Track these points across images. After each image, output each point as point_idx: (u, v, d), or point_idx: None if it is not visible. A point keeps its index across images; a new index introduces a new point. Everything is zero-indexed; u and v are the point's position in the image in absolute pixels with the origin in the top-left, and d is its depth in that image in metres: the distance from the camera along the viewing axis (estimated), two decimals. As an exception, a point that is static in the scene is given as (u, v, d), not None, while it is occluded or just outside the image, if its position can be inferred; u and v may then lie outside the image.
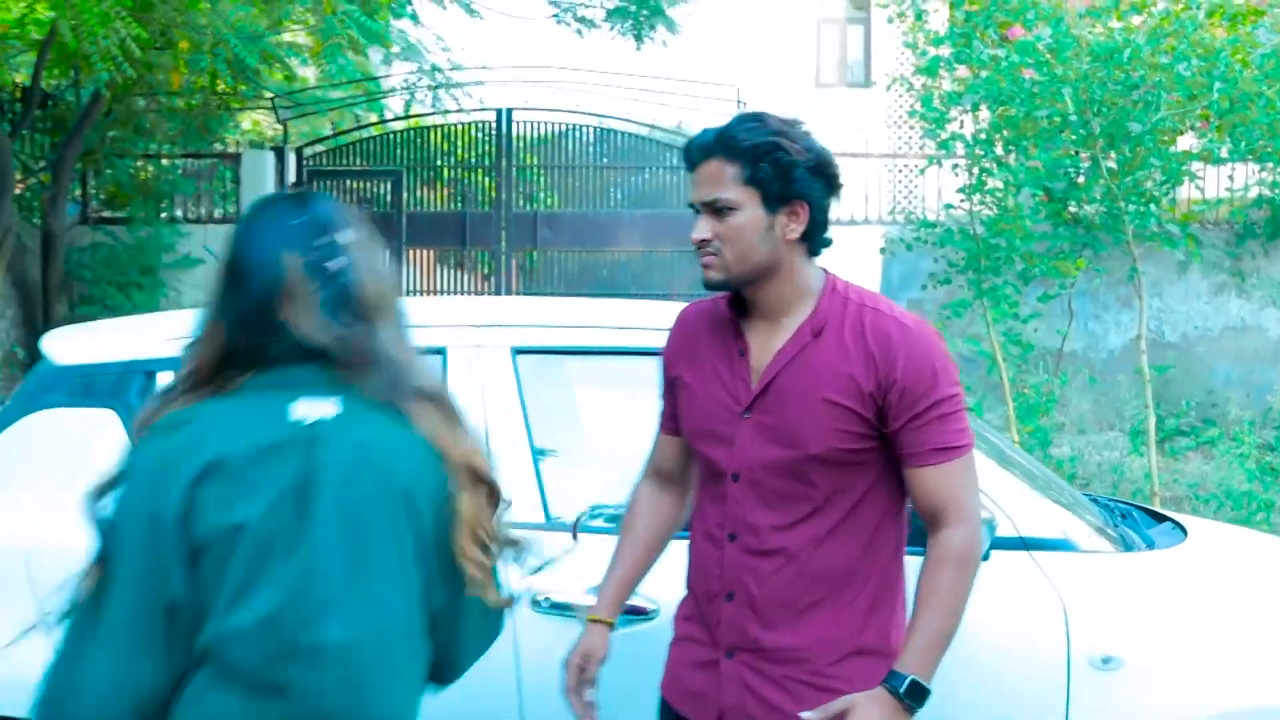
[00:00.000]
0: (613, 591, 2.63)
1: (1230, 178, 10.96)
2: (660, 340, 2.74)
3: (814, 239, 2.44)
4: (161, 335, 3.37)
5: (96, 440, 3.23)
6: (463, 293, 13.94)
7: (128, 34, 5.82)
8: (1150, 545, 3.38)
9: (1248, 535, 4.04)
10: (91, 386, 3.30)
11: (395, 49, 12.53)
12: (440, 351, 3.25)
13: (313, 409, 1.87)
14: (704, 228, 2.41)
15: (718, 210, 2.39)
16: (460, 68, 13.02)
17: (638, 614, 2.94)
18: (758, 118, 2.43)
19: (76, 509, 3.03)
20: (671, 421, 2.63)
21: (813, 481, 2.36)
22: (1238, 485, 7.61)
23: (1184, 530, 3.57)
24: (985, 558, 2.90)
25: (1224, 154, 8.48)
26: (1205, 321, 11.68)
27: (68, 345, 3.44)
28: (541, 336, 3.37)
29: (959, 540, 2.33)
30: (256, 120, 16.33)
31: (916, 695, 2.25)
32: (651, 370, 3.01)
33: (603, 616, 2.60)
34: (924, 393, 2.33)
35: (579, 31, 13.10)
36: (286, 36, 12.26)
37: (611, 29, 13.00)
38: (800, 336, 2.42)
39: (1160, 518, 3.80)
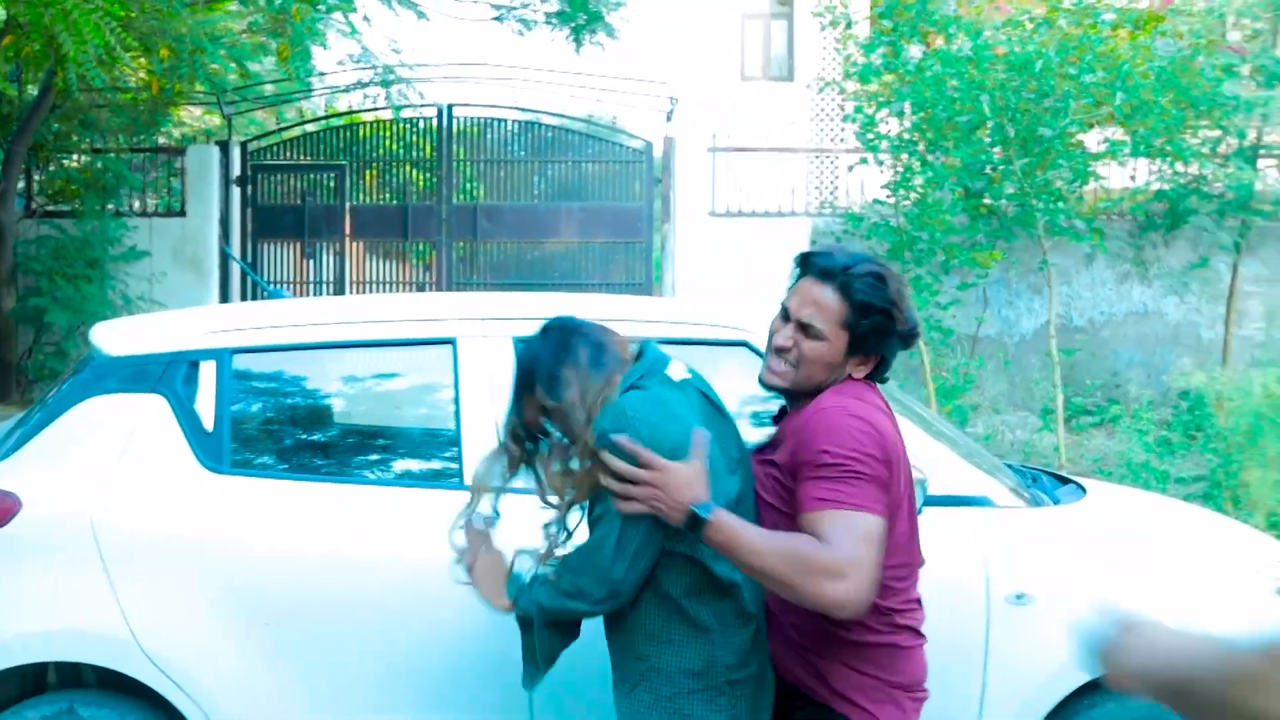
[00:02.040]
0: None
1: (1132, 176, 11.67)
2: (648, 331, 3.31)
3: (873, 376, 2.78)
4: (203, 328, 3.81)
5: (146, 422, 3.67)
6: (404, 283, 14.30)
7: (117, 42, 6.18)
8: (1056, 502, 3.97)
9: (1136, 493, 4.67)
10: (141, 375, 3.73)
11: (355, 49, 12.83)
12: (451, 341, 3.74)
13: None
14: (788, 337, 2.72)
15: (806, 331, 2.70)
16: (407, 65, 13.36)
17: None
18: (882, 279, 2.70)
19: (130, 483, 3.50)
20: None
21: None
22: (1137, 458, 8.25)
23: (1084, 489, 4.17)
24: (919, 512, 3.49)
25: (1126, 153, 9.16)
26: (1110, 307, 12.39)
27: (117, 338, 3.86)
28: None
29: (828, 560, 2.42)
30: (187, 111, 16.49)
31: (694, 525, 2.45)
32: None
33: None
34: (806, 458, 2.58)
35: (520, 31, 13.50)
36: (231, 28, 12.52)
37: (551, 30, 13.42)
38: (782, 428, 2.80)
39: (1065, 480, 4.40)
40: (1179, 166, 10.71)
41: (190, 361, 3.73)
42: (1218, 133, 10.61)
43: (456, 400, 3.67)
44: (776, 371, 2.74)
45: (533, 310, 4.02)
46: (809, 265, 2.76)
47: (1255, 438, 7.08)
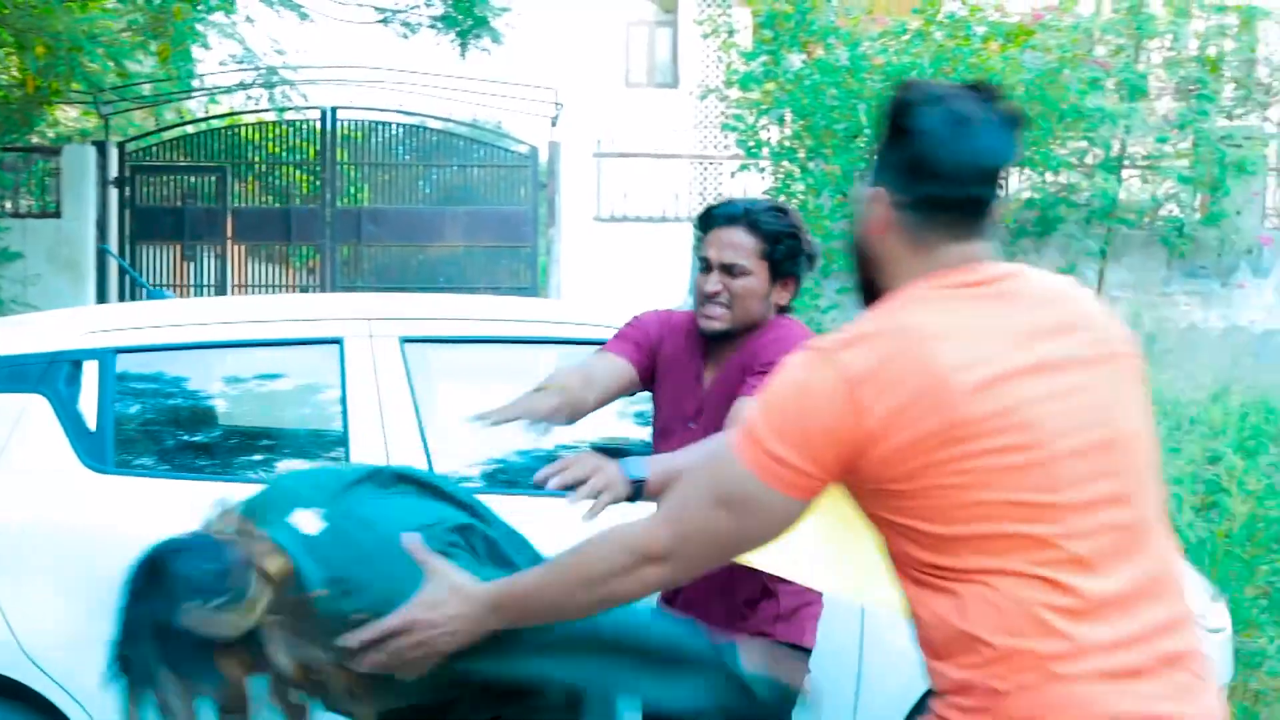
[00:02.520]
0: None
1: (1005, 185, 12.03)
2: (530, 330, 3.48)
3: (791, 299, 3.09)
4: (85, 328, 3.79)
5: (27, 423, 3.64)
6: (288, 287, 14.15)
7: (-10, 40, 6.07)
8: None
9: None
10: (21, 375, 3.69)
11: (238, 50, 12.67)
12: (338, 341, 3.76)
13: None
14: (717, 282, 2.97)
15: (731, 272, 2.96)
16: (291, 67, 13.25)
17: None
18: (782, 209, 3.05)
19: (11, 484, 3.48)
20: (635, 351, 3.09)
21: None
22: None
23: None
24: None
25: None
26: (985, 312, 12.76)
27: (-3, 338, 3.82)
28: (427, 328, 3.89)
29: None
30: (62, 110, 16.12)
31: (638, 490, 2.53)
32: (520, 358, 3.64)
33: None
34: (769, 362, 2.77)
35: (404, 35, 13.46)
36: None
37: (436, 34, 13.40)
38: (730, 368, 3.02)
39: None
40: (1048, 176, 11.08)
41: (72, 361, 3.71)
42: (1084, 144, 10.99)
43: (343, 400, 3.70)
44: (714, 316, 2.98)
45: (420, 311, 4.08)
46: (714, 218, 3.03)
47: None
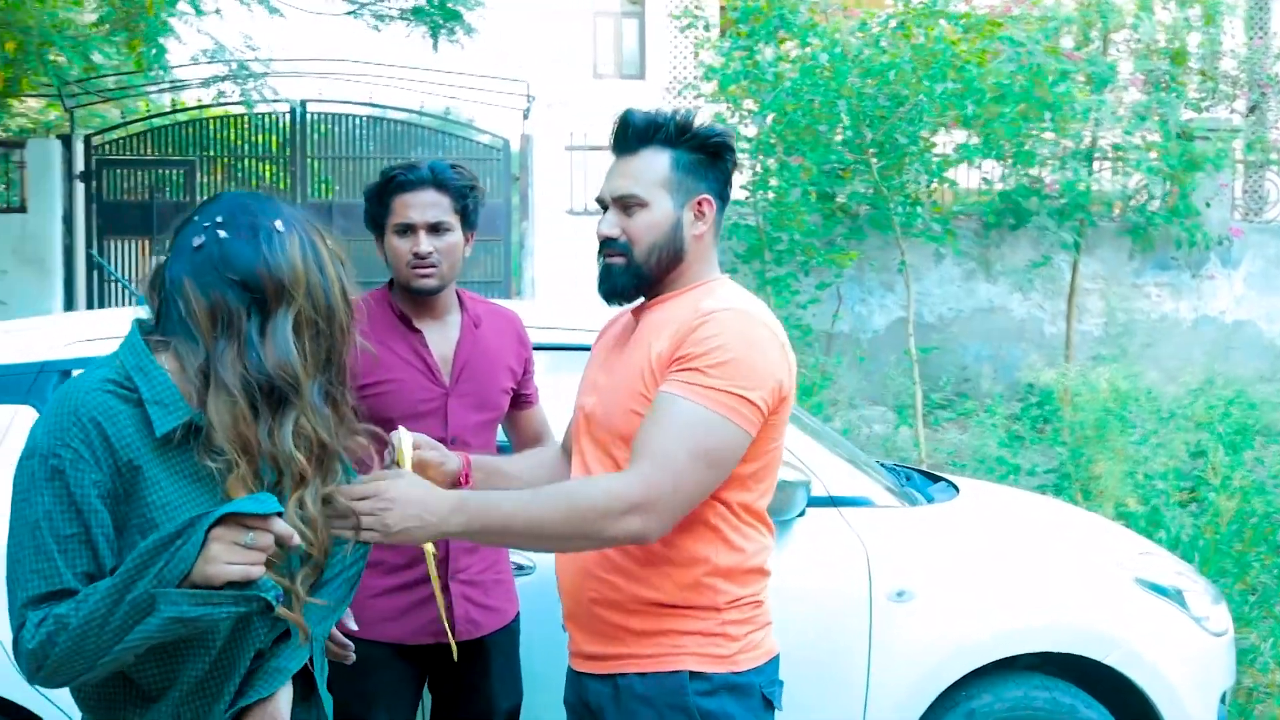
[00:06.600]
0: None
1: (985, 179, 12.03)
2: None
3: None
4: (74, 336, 3.70)
5: (18, 433, 3.55)
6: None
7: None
8: (930, 500, 4.10)
9: (1005, 490, 4.85)
10: (10, 385, 3.60)
11: (208, 44, 12.44)
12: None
13: None
14: (427, 242, 3.06)
15: (437, 230, 3.08)
16: (261, 60, 13.04)
17: (520, 570, 3.47)
18: (456, 166, 3.15)
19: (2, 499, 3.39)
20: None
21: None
22: (991, 452, 8.54)
23: (956, 488, 4.32)
24: (801, 514, 3.57)
25: (979, 160, 9.42)
26: (958, 304, 12.75)
27: (-17, 348, 3.72)
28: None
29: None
30: (24, 103, 15.87)
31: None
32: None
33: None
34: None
35: (375, 27, 13.29)
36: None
37: (408, 26, 13.23)
38: (467, 328, 3.17)
39: (935, 478, 4.55)
40: (1020, 169, 11.08)
41: (62, 371, 3.63)
42: (1053, 135, 10.99)
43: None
44: (430, 275, 3.13)
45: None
46: (403, 183, 3.10)
47: (1103, 432, 7.39)
